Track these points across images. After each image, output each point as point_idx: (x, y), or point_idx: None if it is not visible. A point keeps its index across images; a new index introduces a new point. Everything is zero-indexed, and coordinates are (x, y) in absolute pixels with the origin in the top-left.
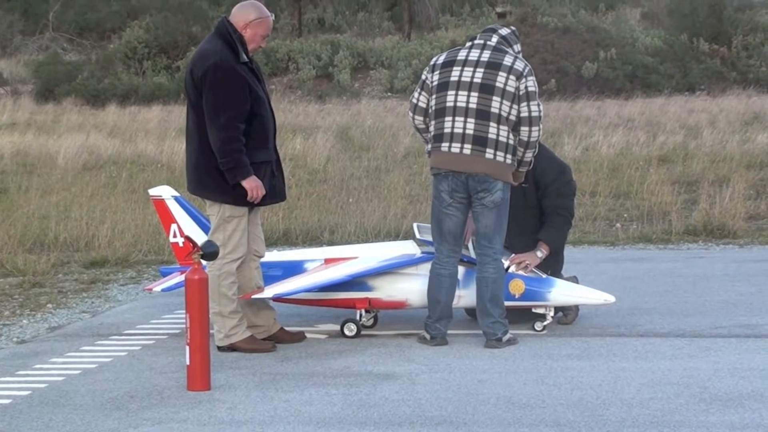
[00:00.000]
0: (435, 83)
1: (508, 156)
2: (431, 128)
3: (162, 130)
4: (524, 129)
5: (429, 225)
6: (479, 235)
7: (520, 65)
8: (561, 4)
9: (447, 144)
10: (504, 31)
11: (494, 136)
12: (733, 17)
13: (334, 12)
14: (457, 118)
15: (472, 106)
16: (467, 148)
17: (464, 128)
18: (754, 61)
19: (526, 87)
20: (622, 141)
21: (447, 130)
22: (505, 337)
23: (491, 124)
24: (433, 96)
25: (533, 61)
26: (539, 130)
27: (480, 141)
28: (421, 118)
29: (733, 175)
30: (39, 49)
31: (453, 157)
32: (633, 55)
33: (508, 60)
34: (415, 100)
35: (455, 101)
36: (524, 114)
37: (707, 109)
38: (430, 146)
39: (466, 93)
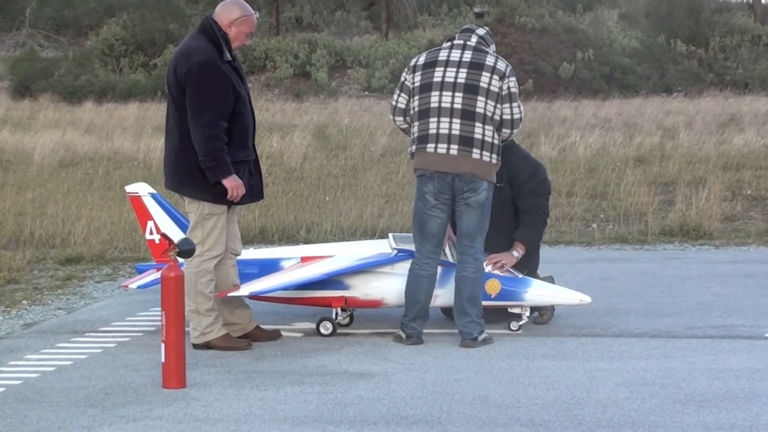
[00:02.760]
0: (417, 84)
1: (493, 155)
2: (414, 129)
3: (139, 127)
4: (506, 131)
5: (404, 235)
6: (461, 235)
7: (502, 65)
8: (539, 4)
9: (433, 145)
10: (481, 31)
11: (480, 136)
12: (711, 19)
13: (311, 11)
14: (442, 119)
15: (457, 106)
16: (454, 149)
17: (450, 129)
18: (730, 63)
19: (508, 88)
20: (599, 141)
21: (432, 131)
22: (481, 337)
23: (477, 124)
24: (416, 97)
25: (511, 61)
26: (519, 129)
27: (466, 141)
28: (402, 119)
29: (709, 177)
30: (15, 46)
31: (440, 158)
32: (610, 56)
33: (490, 60)
34: (394, 102)
35: (439, 102)
36: (507, 116)
37: (684, 110)
38: (414, 147)
39: (450, 93)
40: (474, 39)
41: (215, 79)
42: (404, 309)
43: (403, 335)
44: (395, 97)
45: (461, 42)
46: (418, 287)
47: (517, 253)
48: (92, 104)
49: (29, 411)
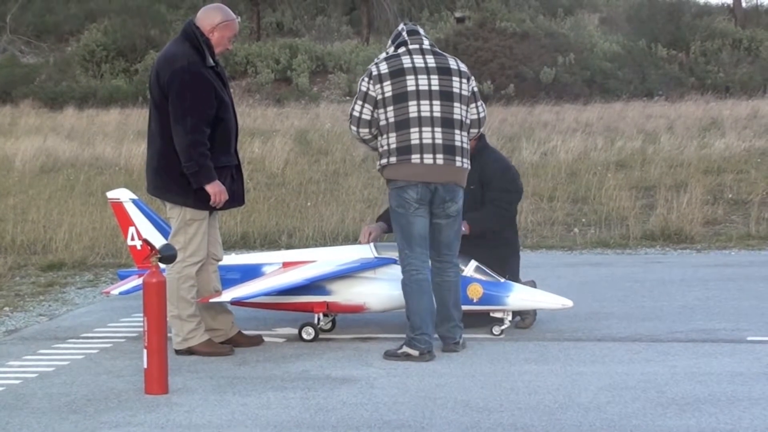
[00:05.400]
0: (388, 94)
1: (467, 161)
2: (391, 141)
3: (120, 133)
4: (474, 130)
5: (385, 244)
6: (441, 245)
7: (463, 67)
8: (520, 9)
9: (418, 155)
10: (421, 30)
11: (460, 144)
12: (691, 23)
13: (292, 16)
14: (424, 129)
15: (437, 114)
16: (440, 158)
17: (433, 138)
18: (711, 67)
19: (472, 88)
20: (580, 146)
21: (415, 142)
22: (462, 340)
23: (456, 131)
24: (389, 108)
25: (492, 66)
26: (484, 127)
27: (449, 150)
28: (367, 130)
29: (690, 181)
30: None
31: (427, 168)
32: (591, 60)
33: (453, 63)
34: (357, 114)
35: (419, 111)
36: (474, 116)
37: (665, 114)
38: (393, 159)
39: (428, 102)
40: (426, 42)
41: (198, 85)
42: (412, 324)
43: (415, 352)
44: (358, 108)
45: (417, 46)
46: (422, 293)
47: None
48: (73, 110)
49: (11, 418)
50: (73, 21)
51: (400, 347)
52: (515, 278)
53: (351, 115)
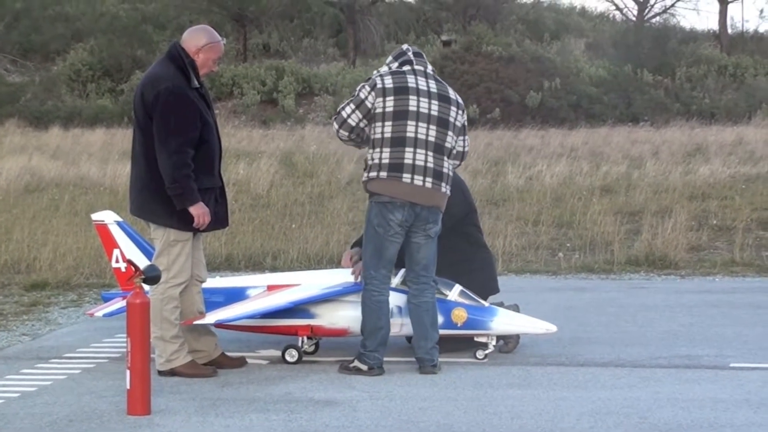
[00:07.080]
0: (389, 110)
1: (449, 187)
2: (383, 156)
3: (105, 153)
4: (456, 162)
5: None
6: (418, 266)
7: (459, 98)
8: (506, 33)
9: (409, 175)
10: (424, 55)
11: (447, 171)
12: (677, 49)
13: (279, 37)
14: (418, 150)
15: (431, 139)
16: (429, 182)
17: (425, 161)
18: (697, 93)
19: (464, 121)
20: (565, 171)
21: (408, 161)
22: (438, 363)
23: (444, 158)
24: (387, 123)
25: (478, 90)
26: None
27: (438, 175)
28: (347, 134)
29: (675, 206)
30: None
31: (416, 189)
32: (577, 85)
33: (451, 93)
34: (346, 116)
35: (416, 133)
36: (460, 148)
37: (650, 139)
38: (384, 174)
39: (425, 125)
40: (430, 67)
41: (182, 106)
42: (363, 340)
43: (364, 367)
44: (348, 111)
45: (421, 68)
46: (380, 313)
47: None
48: (59, 129)
49: None
50: (60, 40)
51: (352, 361)
52: (487, 292)
53: (339, 113)
